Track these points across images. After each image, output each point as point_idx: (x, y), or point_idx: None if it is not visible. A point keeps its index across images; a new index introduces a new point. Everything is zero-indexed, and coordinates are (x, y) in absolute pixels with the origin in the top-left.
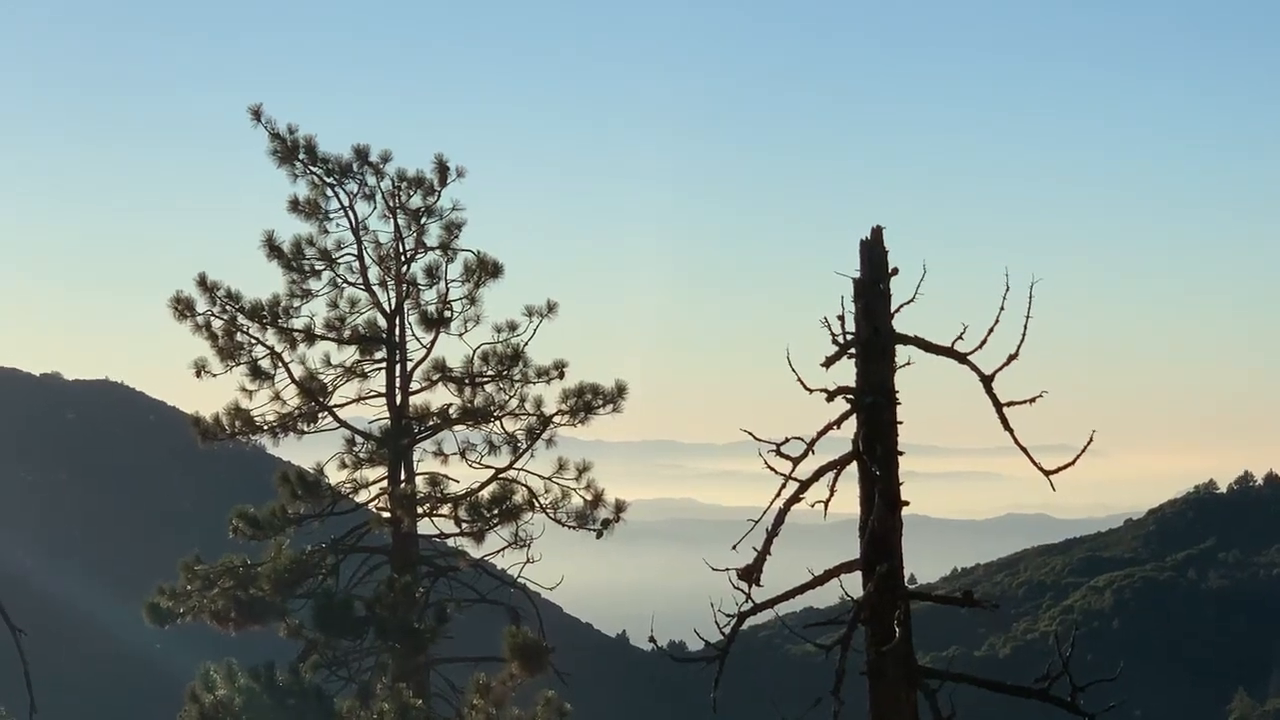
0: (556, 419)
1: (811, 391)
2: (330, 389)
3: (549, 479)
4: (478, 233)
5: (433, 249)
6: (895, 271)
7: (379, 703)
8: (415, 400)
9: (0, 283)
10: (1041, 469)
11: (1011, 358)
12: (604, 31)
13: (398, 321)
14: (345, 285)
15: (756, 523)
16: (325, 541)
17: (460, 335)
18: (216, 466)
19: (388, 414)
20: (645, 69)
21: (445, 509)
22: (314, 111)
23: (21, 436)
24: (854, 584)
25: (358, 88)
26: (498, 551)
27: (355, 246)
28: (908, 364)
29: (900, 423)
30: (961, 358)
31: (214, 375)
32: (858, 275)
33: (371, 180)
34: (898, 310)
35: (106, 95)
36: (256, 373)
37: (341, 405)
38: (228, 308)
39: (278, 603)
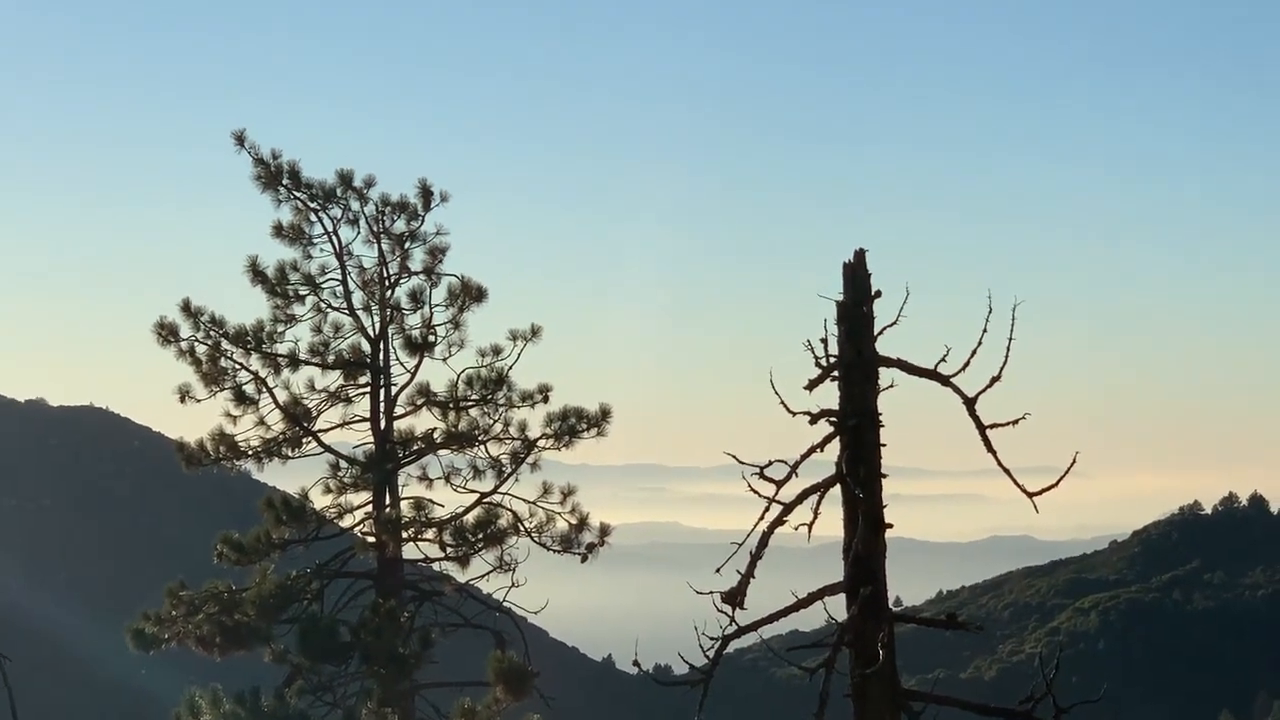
0: (541, 443)
1: (795, 414)
2: (314, 414)
3: (534, 503)
4: (463, 257)
5: (417, 274)
6: (878, 294)
7: None
8: (400, 425)
9: None
10: (1025, 491)
11: (994, 380)
12: (590, 58)
13: (382, 346)
14: (329, 310)
15: (740, 546)
16: (310, 566)
17: (444, 360)
18: (201, 492)
19: (372, 439)
20: (630, 95)
21: (430, 533)
22: (299, 135)
23: (5, 462)
24: (838, 607)
25: (342, 112)
26: (483, 576)
27: (339, 271)
28: (891, 386)
29: (883, 445)
30: (944, 380)
31: (198, 401)
32: (841, 298)
33: (355, 205)
34: (881, 333)
35: (88, 120)
36: (241, 398)
37: (326, 430)
38: (212, 333)
39: (263, 628)
